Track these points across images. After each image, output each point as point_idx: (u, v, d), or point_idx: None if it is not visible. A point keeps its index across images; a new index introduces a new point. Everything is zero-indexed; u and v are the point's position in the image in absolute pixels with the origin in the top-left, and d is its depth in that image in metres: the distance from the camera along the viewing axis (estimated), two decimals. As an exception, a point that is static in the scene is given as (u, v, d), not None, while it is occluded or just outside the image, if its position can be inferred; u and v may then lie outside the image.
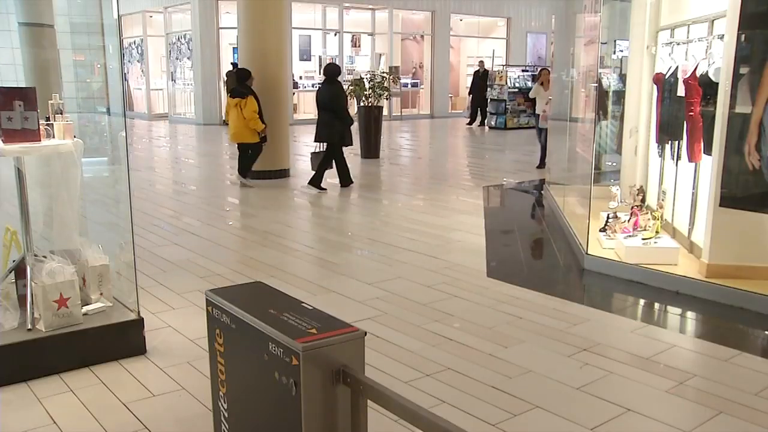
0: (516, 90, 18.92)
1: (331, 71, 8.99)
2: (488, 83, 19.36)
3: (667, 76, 5.80)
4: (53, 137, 3.68)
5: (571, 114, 9.40)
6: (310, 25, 21.00)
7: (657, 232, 5.45)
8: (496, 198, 8.82)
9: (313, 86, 21.27)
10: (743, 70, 4.43)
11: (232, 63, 18.96)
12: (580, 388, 3.38)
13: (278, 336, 2.05)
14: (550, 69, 11.71)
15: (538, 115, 11.19)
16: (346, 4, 21.01)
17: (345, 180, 9.18)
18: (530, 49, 24.13)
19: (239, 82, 9.06)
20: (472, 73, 20.69)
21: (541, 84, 11.21)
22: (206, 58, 19.43)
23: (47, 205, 4.39)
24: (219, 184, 9.82)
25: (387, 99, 14.00)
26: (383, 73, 13.28)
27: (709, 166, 4.89)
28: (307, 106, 21.69)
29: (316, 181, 8.92)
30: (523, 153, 13.62)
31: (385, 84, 12.54)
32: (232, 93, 9.06)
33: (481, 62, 20.62)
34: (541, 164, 11.15)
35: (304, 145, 15.16)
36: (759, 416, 3.12)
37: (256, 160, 9.20)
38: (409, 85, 22.76)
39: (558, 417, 3.10)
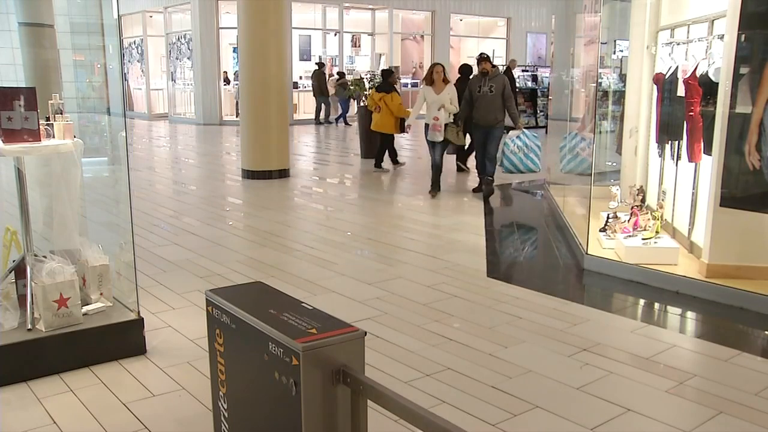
0: (516, 90, 18.90)
1: (465, 70, 10.29)
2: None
3: (667, 76, 5.80)
4: (53, 137, 3.67)
5: (571, 114, 9.40)
6: (310, 25, 21.00)
7: (657, 232, 5.45)
8: (496, 198, 8.81)
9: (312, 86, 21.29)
10: (743, 70, 4.43)
11: (317, 63, 19.79)
12: (580, 388, 3.38)
13: (278, 336, 2.05)
14: (443, 64, 8.84)
15: (428, 125, 8.44)
16: (346, 4, 21.02)
17: (392, 159, 11.12)
18: (530, 49, 24.13)
19: (384, 80, 10.76)
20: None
21: (431, 84, 8.41)
22: (206, 58, 19.44)
23: (47, 205, 4.38)
24: (219, 184, 9.82)
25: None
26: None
27: (709, 166, 4.89)
28: (307, 106, 21.71)
29: (393, 158, 11.04)
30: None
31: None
32: (378, 88, 10.70)
33: (513, 61, 18.43)
34: (434, 189, 8.54)
35: (304, 145, 15.16)
36: (759, 416, 3.12)
37: (388, 150, 10.90)
38: (409, 85, 22.76)
39: (558, 417, 3.10)
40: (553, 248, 6.33)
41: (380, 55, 22.62)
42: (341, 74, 19.49)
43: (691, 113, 5.23)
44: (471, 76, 9.03)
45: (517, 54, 23.61)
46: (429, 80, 8.40)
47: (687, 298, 4.77)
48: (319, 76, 19.25)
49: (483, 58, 8.36)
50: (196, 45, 19.50)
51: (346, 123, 19.46)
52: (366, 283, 5.04)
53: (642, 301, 4.88)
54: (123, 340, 3.71)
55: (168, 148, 15.37)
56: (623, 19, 7.02)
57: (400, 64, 22.60)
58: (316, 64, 19.86)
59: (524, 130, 8.43)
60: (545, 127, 17.34)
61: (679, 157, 5.75)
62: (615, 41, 7.82)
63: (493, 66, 8.36)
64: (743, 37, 4.40)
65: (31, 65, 7.36)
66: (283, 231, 6.80)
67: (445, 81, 8.44)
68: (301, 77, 21.12)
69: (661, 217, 5.60)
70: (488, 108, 8.16)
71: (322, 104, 19.64)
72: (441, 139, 8.23)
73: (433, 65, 8.57)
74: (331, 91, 19.53)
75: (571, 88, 9.77)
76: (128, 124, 19.02)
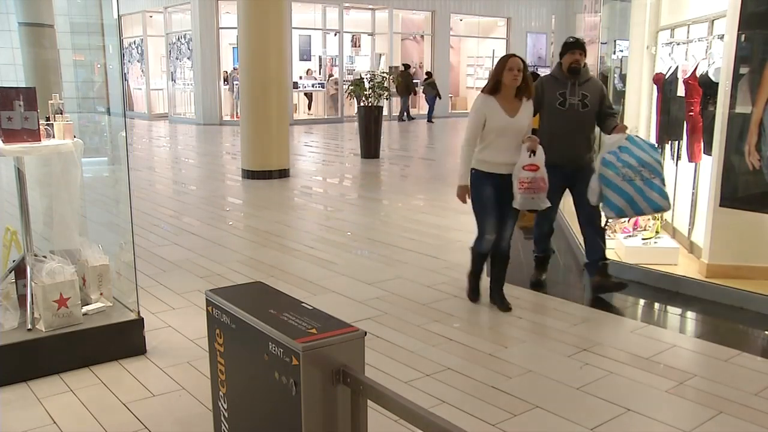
0: (516, 90, 18.89)
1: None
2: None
3: (667, 76, 5.80)
4: (53, 137, 3.68)
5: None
6: (310, 25, 21.00)
7: (657, 232, 5.45)
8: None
9: (312, 86, 21.33)
10: (743, 70, 4.44)
11: (404, 65, 20.99)
12: (580, 388, 3.38)
13: (278, 336, 2.05)
14: (521, 57, 5.51)
15: None
16: (346, 4, 21.01)
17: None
18: (530, 49, 24.12)
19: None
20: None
21: (496, 93, 4.34)
22: (206, 58, 19.44)
23: (47, 205, 4.39)
24: (219, 184, 9.82)
25: (387, 99, 14.01)
26: (383, 73, 13.28)
27: (709, 166, 4.89)
28: (307, 106, 21.71)
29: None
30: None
31: (385, 84, 12.54)
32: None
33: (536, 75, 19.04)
34: (474, 293, 4.73)
35: (304, 145, 15.16)
36: (759, 416, 3.12)
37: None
38: (409, 85, 22.78)
39: (558, 417, 3.10)
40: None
41: (380, 55, 22.62)
42: (429, 74, 20.97)
43: (691, 113, 5.23)
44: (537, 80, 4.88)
45: (517, 54, 23.58)
46: (494, 87, 4.29)
47: (687, 298, 4.77)
48: (406, 77, 20.29)
49: (573, 44, 4.73)
50: (196, 45, 19.50)
51: (429, 120, 20.74)
52: (366, 283, 5.04)
53: (642, 301, 4.88)
54: (123, 340, 3.71)
55: (168, 148, 15.37)
56: (623, 19, 7.01)
57: (400, 64, 22.60)
58: (402, 65, 21.11)
59: (630, 134, 4.60)
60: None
61: (679, 157, 5.75)
62: (615, 41, 7.81)
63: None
64: (743, 37, 4.40)
65: (31, 65, 7.37)
66: (283, 231, 6.80)
67: (527, 92, 4.32)
68: (301, 77, 21.13)
69: (661, 217, 5.60)
70: (577, 134, 4.71)
71: (407, 103, 20.97)
72: (546, 206, 4.38)
73: (507, 58, 4.37)
74: (390, 87, 20.94)
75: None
76: (128, 124, 19.02)
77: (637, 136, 4.76)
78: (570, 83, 4.68)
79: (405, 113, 21.09)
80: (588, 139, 4.80)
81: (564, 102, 4.67)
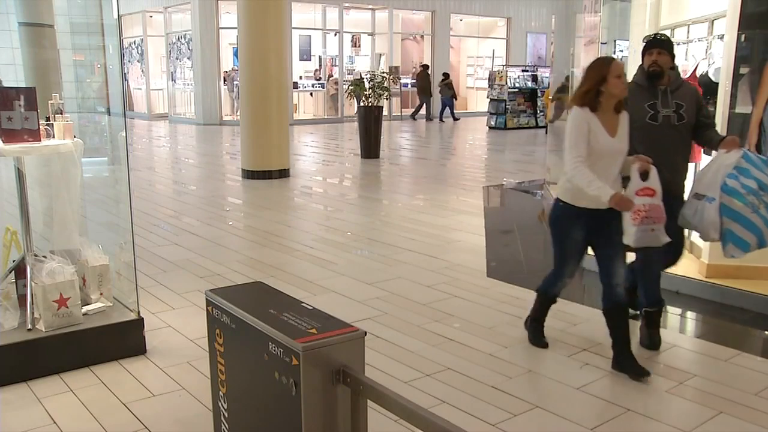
0: (516, 90, 18.93)
1: None
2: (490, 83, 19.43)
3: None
4: (53, 137, 3.68)
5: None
6: (310, 25, 21.00)
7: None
8: (496, 198, 8.82)
9: (312, 86, 21.33)
10: (743, 70, 4.44)
11: (422, 65, 21.53)
12: (580, 388, 3.38)
13: (278, 336, 2.05)
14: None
15: None
16: (346, 4, 21.01)
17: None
18: (530, 49, 24.13)
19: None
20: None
21: (596, 109, 3.47)
22: (206, 58, 19.44)
23: (47, 205, 4.39)
24: (219, 184, 9.81)
25: (387, 99, 14.02)
26: (383, 73, 13.29)
27: (709, 166, 4.88)
28: (307, 106, 21.71)
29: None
30: (523, 153, 13.63)
31: (385, 84, 12.54)
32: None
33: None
34: (539, 338, 4.02)
35: (304, 145, 15.16)
36: (759, 416, 3.12)
37: None
38: (409, 85, 22.78)
39: (558, 417, 3.10)
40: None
41: (380, 55, 22.62)
42: (446, 75, 21.27)
43: (691, 113, 5.21)
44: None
45: (518, 54, 23.62)
46: (593, 98, 3.43)
47: (687, 298, 4.77)
48: (424, 78, 20.95)
49: (650, 42, 3.87)
50: (196, 45, 19.50)
51: (455, 118, 21.27)
52: (366, 283, 5.04)
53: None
54: (123, 340, 3.71)
55: (168, 148, 15.37)
56: (623, 19, 7.01)
57: (400, 64, 22.60)
58: (421, 66, 21.69)
59: (745, 150, 3.75)
60: (545, 127, 17.33)
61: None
62: (615, 41, 7.81)
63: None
64: (743, 37, 4.40)
65: (31, 65, 7.37)
66: (283, 231, 6.80)
67: (622, 104, 3.50)
68: (301, 77, 21.14)
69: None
70: (675, 154, 3.89)
71: (426, 103, 21.34)
72: (666, 240, 3.59)
73: (610, 61, 3.47)
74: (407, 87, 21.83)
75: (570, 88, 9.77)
76: (128, 124, 19.01)
77: (749, 150, 3.93)
78: (660, 92, 3.79)
79: (422, 112, 21.52)
80: (687, 160, 3.96)
81: (656, 115, 3.78)
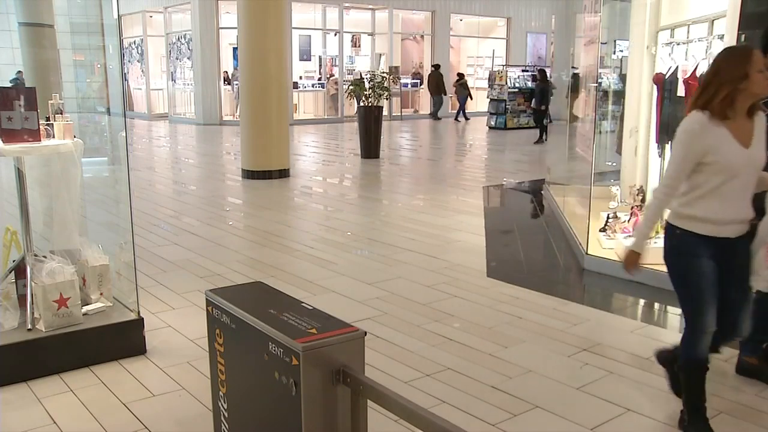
0: (516, 90, 18.92)
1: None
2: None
3: (667, 76, 5.80)
4: (53, 137, 3.68)
5: (571, 114, 9.40)
6: (310, 25, 21.00)
7: (657, 232, 5.44)
8: (496, 198, 8.82)
9: (312, 86, 21.33)
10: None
11: (434, 66, 21.65)
12: (580, 388, 3.38)
13: (278, 336, 2.05)
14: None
15: None
16: (346, 4, 21.01)
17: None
18: (530, 49, 24.13)
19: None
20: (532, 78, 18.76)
21: (726, 117, 2.69)
22: (206, 58, 19.44)
23: (47, 205, 4.39)
24: (219, 184, 9.81)
25: (387, 99, 14.02)
26: (383, 73, 13.29)
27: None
28: (307, 106, 21.70)
29: None
30: (522, 153, 13.63)
31: (385, 84, 12.55)
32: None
33: (543, 71, 16.08)
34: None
35: (304, 145, 15.16)
36: (759, 416, 3.12)
37: None
38: (409, 85, 22.78)
39: (558, 417, 3.10)
40: (553, 248, 6.33)
41: (380, 55, 22.62)
42: (461, 75, 21.64)
43: (691, 113, 5.21)
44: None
45: (518, 54, 23.61)
46: (724, 107, 2.67)
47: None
48: (437, 77, 21.20)
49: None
50: (196, 45, 19.50)
51: (466, 118, 21.49)
52: (366, 283, 5.04)
53: (642, 301, 4.88)
54: (123, 340, 3.71)
55: (168, 148, 15.38)
56: (623, 19, 7.02)
57: (400, 64, 22.60)
58: (432, 66, 21.77)
59: None
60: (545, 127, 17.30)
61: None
62: (615, 41, 7.81)
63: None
64: (743, 37, 4.40)
65: (31, 65, 7.38)
66: (283, 231, 6.80)
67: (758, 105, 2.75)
68: (301, 77, 21.13)
69: (662, 217, 5.59)
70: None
71: (438, 102, 21.67)
72: None
73: (749, 51, 2.67)
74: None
75: (570, 88, 9.76)
76: (128, 124, 19.01)
77: None
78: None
79: (436, 112, 21.79)
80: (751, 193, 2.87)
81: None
